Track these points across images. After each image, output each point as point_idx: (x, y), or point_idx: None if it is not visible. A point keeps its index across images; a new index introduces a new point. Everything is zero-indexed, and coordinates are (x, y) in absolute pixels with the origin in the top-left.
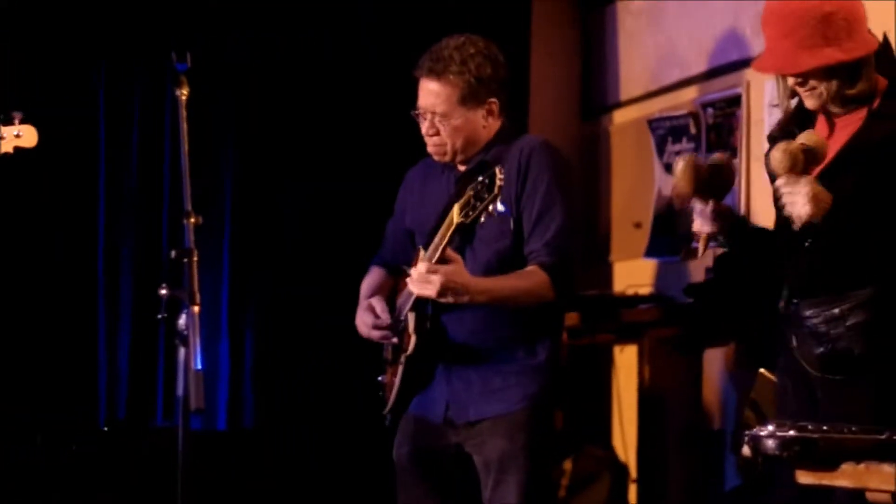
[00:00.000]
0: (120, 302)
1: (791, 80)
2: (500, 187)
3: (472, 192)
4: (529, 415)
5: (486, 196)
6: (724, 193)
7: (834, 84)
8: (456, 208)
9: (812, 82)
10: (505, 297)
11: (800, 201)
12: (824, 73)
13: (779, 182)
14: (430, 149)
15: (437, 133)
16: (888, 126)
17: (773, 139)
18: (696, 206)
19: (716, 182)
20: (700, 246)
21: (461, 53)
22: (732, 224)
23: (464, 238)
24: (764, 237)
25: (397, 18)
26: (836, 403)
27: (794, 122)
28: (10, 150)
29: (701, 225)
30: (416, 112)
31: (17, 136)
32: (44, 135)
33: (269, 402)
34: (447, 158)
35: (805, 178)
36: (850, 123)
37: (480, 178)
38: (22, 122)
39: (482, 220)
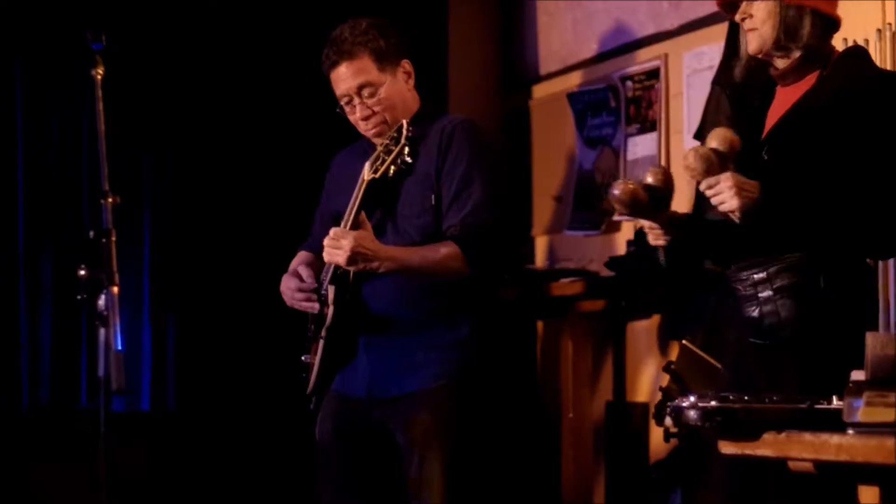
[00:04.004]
0: (41, 283)
1: (738, 16)
2: (407, 137)
3: (381, 148)
4: (452, 390)
5: (394, 148)
6: (668, 203)
7: (774, 23)
8: (367, 165)
9: (755, 19)
10: (414, 267)
11: (727, 196)
12: (767, 11)
13: (701, 187)
14: (369, 131)
15: (372, 113)
16: (835, 87)
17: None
18: (644, 224)
19: (657, 197)
20: (661, 257)
21: (355, 30)
22: (684, 228)
23: (386, 213)
24: (711, 225)
25: None
26: (765, 370)
27: (755, 95)
28: None
29: (655, 239)
30: (341, 105)
31: None
32: None
33: (192, 383)
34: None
35: (724, 175)
36: (800, 89)
37: (389, 134)
38: None
39: (391, 173)
